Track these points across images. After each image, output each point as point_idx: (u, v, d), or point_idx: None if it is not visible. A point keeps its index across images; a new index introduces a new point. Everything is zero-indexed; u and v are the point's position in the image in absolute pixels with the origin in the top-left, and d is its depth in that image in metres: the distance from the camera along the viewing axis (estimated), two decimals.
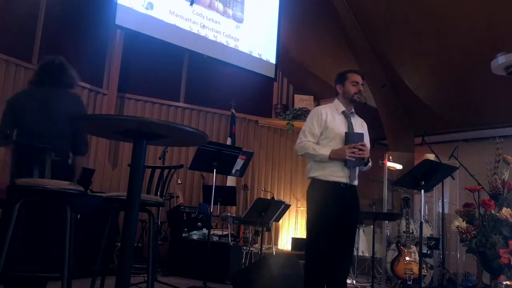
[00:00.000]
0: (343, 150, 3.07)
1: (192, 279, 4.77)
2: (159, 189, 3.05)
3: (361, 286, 5.48)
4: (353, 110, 3.31)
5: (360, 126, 3.32)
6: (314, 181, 3.18)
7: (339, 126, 3.18)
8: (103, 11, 6.13)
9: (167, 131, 1.90)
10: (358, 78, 3.26)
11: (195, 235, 5.49)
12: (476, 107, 6.28)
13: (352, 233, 3.26)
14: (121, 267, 1.87)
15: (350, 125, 3.21)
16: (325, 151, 3.09)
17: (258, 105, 8.05)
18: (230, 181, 7.07)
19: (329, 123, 3.17)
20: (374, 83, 6.75)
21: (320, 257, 3.05)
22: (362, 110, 3.44)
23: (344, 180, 3.11)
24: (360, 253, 6.14)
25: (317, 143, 3.17)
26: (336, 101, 3.32)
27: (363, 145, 3.10)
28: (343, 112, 3.25)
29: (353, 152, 3.06)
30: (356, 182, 3.19)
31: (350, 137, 3.13)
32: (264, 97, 8.10)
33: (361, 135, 3.19)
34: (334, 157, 3.08)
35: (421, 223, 3.79)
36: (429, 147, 5.60)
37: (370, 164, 3.28)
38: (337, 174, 3.11)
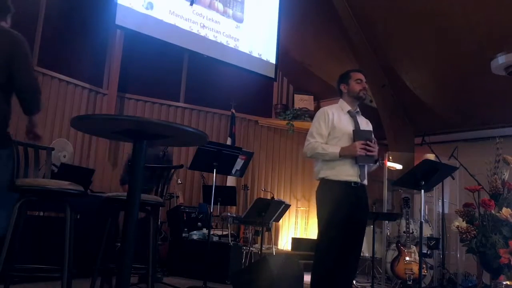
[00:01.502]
0: (354, 146, 3.04)
1: (192, 279, 4.76)
2: (159, 189, 3.04)
3: (361, 286, 5.48)
4: (358, 109, 3.31)
5: (365, 125, 3.31)
6: (325, 182, 3.13)
7: (346, 125, 3.16)
8: (103, 11, 6.13)
9: (167, 131, 1.89)
10: (361, 76, 3.27)
11: (195, 235, 5.49)
12: (476, 107, 6.29)
13: (361, 233, 3.22)
14: (121, 267, 1.87)
15: (356, 124, 3.20)
16: (335, 148, 3.06)
17: (258, 105, 8.04)
18: (230, 181, 7.07)
19: (336, 123, 3.15)
20: (374, 83, 6.75)
21: (332, 259, 3.01)
22: (362, 110, 3.44)
23: (355, 179, 3.08)
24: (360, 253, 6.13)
25: (325, 144, 3.14)
26: (341, 101, 3.31)
27: (370, 141, 3.08)
28: (348, 112, 3.24)
29: (364, 148, 3.03)
30: (366, 182, 3.18)
31: (358, 134, 3.11)
32: (264, 97, 8.10)
33: (369, 132, 3.17)
34: (345, 153, 3.04)
35: (421, 223, 3.78)
36: (429, 147, 5.60)
37: (378, 163, 3.27)
38: (347, 173, 3.08)
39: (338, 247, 3.01)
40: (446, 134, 6.91)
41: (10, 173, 2.42)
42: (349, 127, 3.16)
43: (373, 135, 3.25)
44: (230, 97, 7.44)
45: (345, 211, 3.03)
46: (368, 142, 3.06)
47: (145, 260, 2.73)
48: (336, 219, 3.02)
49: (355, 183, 3.09)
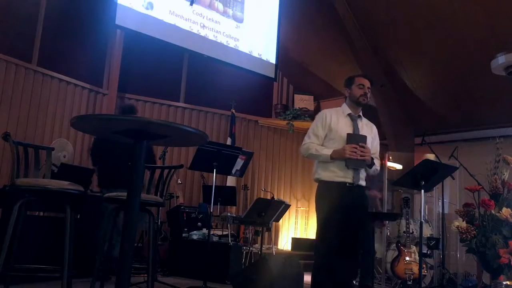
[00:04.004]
0: (344, 149, 3.10)
1: (192, 279, 4.76)
2: (159, 189, 3.04)
3: None
4: (360, 113, 3.35)
5: (369, 129, 3.35)
6: (320, 182, 3.24)
7: (343, 128, 3.22)
8: (103, 11, 6.13)
9: (167, 131, 1.90)
10: (364, 81, 3.33)
11: (195, 235, 5.49)
12: (476, 107, 6.28)
13: (359, 233, 3.25)
14: (121, 267, 1.87)
15: (355, 128, 3.24)
16: (327, 151, 3.15)
17: (258, 105, 8.04)
18: (230, 181, 7.06)
19: (333, 125, 3.22)
20: (374, 83, 6.74)
21: (329, 257, 3.07)
22: (363, 111, 3.46)
23: (349, 180, 3.14)
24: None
25: (322, 145, 3.22)
26: (344, 105, 3.39)
27: (363, 147, 3.11)
28: (349, 115, 3.29)
29: (354, 152, 3.07)
30: (362, 183, 3.22)
31: (351, 138, 3.15)
32: (264, 97, 8.10)
33: (363, 137, 3.20)
34: (336, 156, 3.11)
35: (421, 223, 3.78)
36: (429, 147, 5.60)
37: (377, 168, 3.29)
38: (340, 174, 3.14)
39: (336, 247, 3.05)
40: (446, 134, 6.91)
41: None
42: (346, 130, 3.21)
43: (378, 141, 3.29)
44: (230, 97, 7.43)
45: (341, 211, 3.07)
46: (360, 146, 3.10)
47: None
48: (332, 219, 3.08)
49: (350, 183, 3.14)
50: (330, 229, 3.08)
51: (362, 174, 3.22)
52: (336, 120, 3.25)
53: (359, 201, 3.22)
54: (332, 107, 3.46)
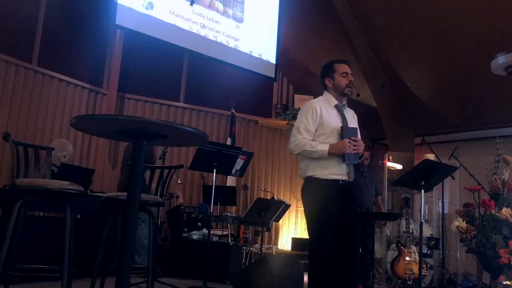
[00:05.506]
0: (343, 144, 2.93)
1: (192, 279, 4.76)
2: (159, 189, 3.04)
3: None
4: (345, 102, 3.17)
5: (352, 118, 3.19)
6: (313, 180, 3.00)
7: (334, 121, 3.04)
8: (103, 11, 6.13)
9: (167, 131, 1.89)
10: (346, 69, 3.14)
11: (195, 235, 5.49)
12: (476, 107, 6.29)
13: (355, 231, 3.15)
14: (121, 267, 1.87)
15: (344, 119, 3.08)
16: (324, 146, 2.94)
17: (258, 105, 8.04)
18: (230, 181, 7.07)
19: (325, 118, 3.02)
20: (374, 83, 6.75)
21: (327, 257, 2.93)
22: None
23: (344, 177, 2.99)
24: None
25: (312, 140, 3.01)
26: (327, 94, 3.18)
27: (355, 140, 2.99)
28: (335, 106, 3.12)
29: (350, 147, 2.93)
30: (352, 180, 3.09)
31: (346, 131, 3.00)
32: (264, 97, 8.10)
33: (355, 130, 3.07)
34: (334, 151, 2.93)
35: (421, 223, 3.79)
36: (429, 147, 5.60)
37: (360, 160, 3.21)
38: (336, 171, 2.97)
39: (331, 245, 2.91)
40: (446, 134, 6.91)
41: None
42: (337, 123, 3.05)
43: (358, 129, 3.15)
44: (230, 97, 7.43)
45: (335, 209, 2.93)
46: (352, 139, 2.95)
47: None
48: (327, 217, 2.91)
49: (343, 181, 2.99)
50: (328, 229, 2.91)
51: (353, 170, 3.09)
52: (326, 113, 3.04)
53: (352, 199, 3.09)
54: None
